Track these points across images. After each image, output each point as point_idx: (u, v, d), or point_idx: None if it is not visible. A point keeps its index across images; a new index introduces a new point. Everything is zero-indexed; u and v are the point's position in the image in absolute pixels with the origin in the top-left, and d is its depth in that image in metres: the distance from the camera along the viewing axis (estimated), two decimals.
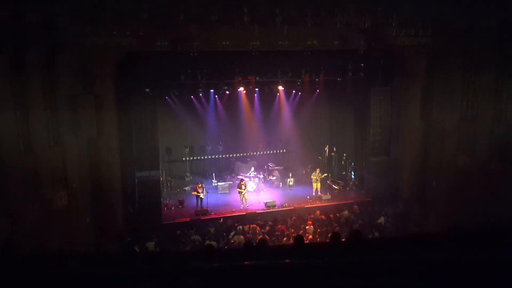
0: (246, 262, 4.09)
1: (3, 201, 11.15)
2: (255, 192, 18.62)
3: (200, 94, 18.76)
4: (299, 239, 5.82)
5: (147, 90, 15.42)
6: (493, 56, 14.83)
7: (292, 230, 13.78)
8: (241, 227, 14.33)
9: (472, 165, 15.83)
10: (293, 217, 15.17)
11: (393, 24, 15.54)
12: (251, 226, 14.31)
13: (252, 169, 19.66)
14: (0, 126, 11.05)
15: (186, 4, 14.02)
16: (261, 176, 19.50)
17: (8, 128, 11.26)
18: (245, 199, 17.16)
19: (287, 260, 4.10)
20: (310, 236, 13.37)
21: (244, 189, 17.13)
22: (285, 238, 13.02)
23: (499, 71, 14.78)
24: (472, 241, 6.10)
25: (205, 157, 21.24)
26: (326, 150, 21.88)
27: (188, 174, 20.61)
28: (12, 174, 11.43)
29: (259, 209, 16.72)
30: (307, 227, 14.08)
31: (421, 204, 16.17)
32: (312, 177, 18.45)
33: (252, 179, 19.05)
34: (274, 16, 14.50)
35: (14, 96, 11.54)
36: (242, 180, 17.73)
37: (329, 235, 6.16)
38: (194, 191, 16.88)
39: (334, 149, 21.45)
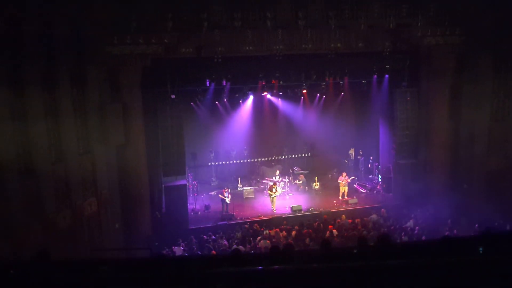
0: (273, 267, 4.09)
1: (36, 209, 11.51)
2: (281, 196, 18.57)
3: (225, 99, 18.90)
4: (325, 243, 5.76)
5: (173, 96, 15.64)
6: None
7: (318, 235, 13.67)
8: (267, 231, 14.32)
9: (504, 166, 15.37)
10: (319, 222, 15.05)
11: (419, 24, 15.28)
12: (277, 230, 14.27)
13: (278, 173, 19.61)
14: (32, 136, 11.43)
15: (210, 10, 14.20)
16: (287, 180, 19.43)
17: (39, 138, 11.63)
18: (274, 202, 17.21)
19: (314, 265, 4.08)
20: (337, 240, 13.22)
21: (275, 192, 17.19)
22: (311, 243, 12.92)
23: None
24: (505, 245, 5.91)
25: (230, 162, 21.33)
26: (351, 153, 21.64)
27: (213, 179, 20.75)
28: (44, 182, 11.80)
29: (285, 214, 16.67)
30: (330, 231, 13.93)
31: (452, 207, 15.76)
32: (338, 181, 18.27)
33: (277, 183, 19.00)
34: (297, 20, 14.51)
35: (45, 106, 11.92)
36: (274, 183, 17.81)
37: (356, 239, 6.08)
38: (221, 195, 16.99)
39: (360, 152, 21.20)
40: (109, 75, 14.19)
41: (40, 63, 11.66)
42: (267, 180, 19.50)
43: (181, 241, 13.79)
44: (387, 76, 17.43)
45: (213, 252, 12.87)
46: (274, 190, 17.18)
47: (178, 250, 13.17)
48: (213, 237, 14.38)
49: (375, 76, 17.53)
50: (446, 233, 13.23)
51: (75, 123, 13.08)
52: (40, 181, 11.68)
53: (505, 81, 15.19)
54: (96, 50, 13.38)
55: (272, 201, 17.21)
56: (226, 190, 16.99)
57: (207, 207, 17.54)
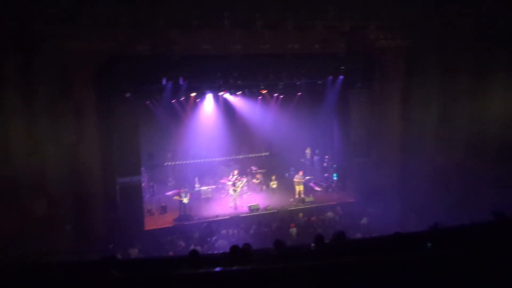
0: (231, 268, 4.10)
1: None
2: (239, 196, 18.62)
3: (182, 98, 18.67)
4: (278, 243, 5.87)
5: (128, 94, 15.27)
6: (469, 56, 15.21)
7: (277, 234, 13.82)
8: (225, 231, 14.31)
9: (450, 165, 16.19)
10: (277, 220, 15.23)
11: (372, 27, 15.79)
12: (236, 230, 14.30)
13: (235, 172, 19.63)
14: None
15: (167, 8, 13.96)
16: (244, 179, 19.51)
17: None
18: (236, 198, 17.56)
19: (271, 265, 4.13)
20: (294, 238, 13.44)
21: (239, 188, 17.55)
22: (269, 242, 13.03)
23: (475, 71, 15.17)
24: (451, 240, 6.25)
25: (188, 161, 21.12)
26: (308, 152, 22.04)
27: (171, 179, 20.46)
28: None
29: (243, 213, 16.72)
30: (290, 229, 14.14)
31: (402, 203, 16.43)
32: (294, 179, 18.54)
33: (235, 183, 19.02)
34: (255, 20, 14.57)
35: None
36: (237, 179, 18.20)
37: (312, 237, 6.24)
38: (177, 196, 16.79)
39: (316, 151, 21.62)
40: (60, 71, 13.62)
41: None
42: (225, 179, 19.48)
43: (136, 242, 13.51)
44: (341, 77, 17.87)
45: (170, 253, 12.71)
46: (237, 184, 17.60)
47: (134, 252, 12.90)
48: (169, 237, 14.19)
49: (331, 77, 17.93)
50: (397, 229, 13.76)
51: (23, 120, 12.48)
52: None
53: (451, 83, 15.98)
54: (47, 45, 12.81)
55: (235, 198, 17.52)
56: (183, 191, 16.82)
57: (163, 208, 17.27)
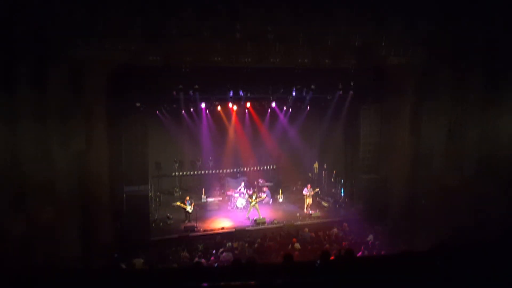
0: (235, 282, 4.03)
1: None
2: (245, 208, 18.52)
3: (191, 109, 18.76)
4: (288, 257, 5.77)
5: (138, 104, 15.37)
6: (481, 74, 15.11)
7: (281, 248, 13.66)
8: (230, 244, 14.19)
9: (460, 183, 15.96)
10: (282, 234, 15.08)
11: (383, 44, 15.78)
12: (240, 243, 14.18)
13: (242, 184, 19.58)
14: None
15: (179, 19, 14.10)
16: (251, 192, 19.43)
17: None
18: (256, 209, 17.42)
19: (277, 280, 4.06)
20: (297, 253, 13.25)
21: (255, 200, 17.45)
22: (274, 256, 12.89)
23: (487, 89, 15.04)
24: (460, 258, 6.12)
25: (195, 172, 21.13)
26: (315, 167, 21.92)
27: (177, 190, 20.45)
28: None
29: (248, 226, 16.61)
30: (295, 245, 13.97)
31: (410, 221, 16.19)
32: (303, 192, 18.43)
33: (242, 195, 18.95)
34: (266, 33, 14.65)
35: (1, 107, 11.44)
36: (254, 191, 18.28)
37: (319, 253, 6.13)
38: (180, 202, 16.80)
39: (325, 166, 21.49)
40: (72, 79, 13.74)
41: None
42: (232, 191, 19.41)
43: (141, 252, 13.44)
44: (351, 92, 17.84)
45: (175, 265, 12.61)
46: (254, 197, 17.45)
47: (138, 262, 12.82)
48: (175, 249, 14.10)
49: (341, 92, 17.91)
50: (405, 247, 13.55)
51: (33, 126, 12.58)
52: None
53: (463, 101, 15.84)
54: (59, 52, 12.96)
55: (256, 208, 17.48)
56: (187, 199, 16.83)
57: (169, 218, 17.22)
